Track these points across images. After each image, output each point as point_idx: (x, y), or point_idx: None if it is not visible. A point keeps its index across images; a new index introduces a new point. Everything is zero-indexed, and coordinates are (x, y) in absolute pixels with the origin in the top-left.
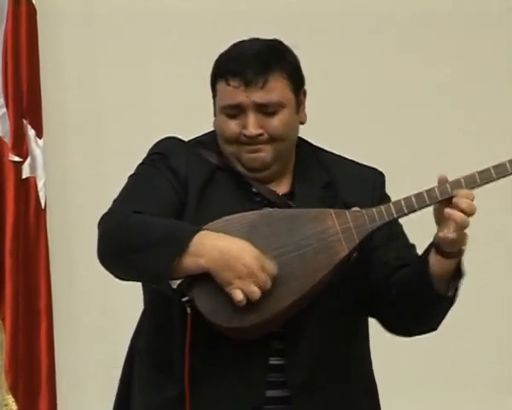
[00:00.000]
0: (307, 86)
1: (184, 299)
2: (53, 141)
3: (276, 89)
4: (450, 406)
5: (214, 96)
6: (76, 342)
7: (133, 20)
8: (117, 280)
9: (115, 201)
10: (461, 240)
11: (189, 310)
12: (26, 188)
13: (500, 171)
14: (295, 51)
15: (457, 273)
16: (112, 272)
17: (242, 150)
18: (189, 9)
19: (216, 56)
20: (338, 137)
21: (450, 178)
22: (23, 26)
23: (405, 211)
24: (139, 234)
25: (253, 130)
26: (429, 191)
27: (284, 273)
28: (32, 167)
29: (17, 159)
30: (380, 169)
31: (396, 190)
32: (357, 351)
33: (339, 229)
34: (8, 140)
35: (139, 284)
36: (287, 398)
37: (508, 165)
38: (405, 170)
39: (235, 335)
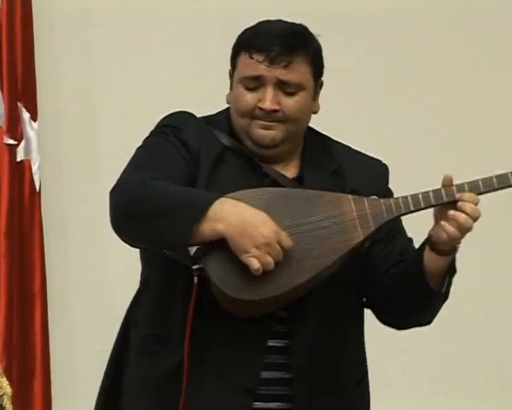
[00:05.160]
0: None
1: (195, 267)
2: (47, 124)
3: (299, 71)
4: (449, 406)
5: (233, 69)
6: (70, 325)
7: (130, 3)
8: (111, 263)
9: (125, 170)
10: (456, 238)
11: (195, 280)
12: (21, 171)
13: (502, 181)
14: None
15: (451, 270)
16: (126, 239)
17: (254, 125)
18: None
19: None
20: (340, 134)
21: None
22: (18, 9)
23: (422, 205)
24: (159, 199)
25: (269, 104)
26: (446, 189)
27: (298, 252)
28: (27, 150)
29: (12, 142)
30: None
31: (397, 186)
32: (353, 338)
33: (356, 215)
34: (2, 123)
35: (134, 267)
36: (282, 380)
37: (510, 176)
38: (405, 169)
39: (241, 308)
